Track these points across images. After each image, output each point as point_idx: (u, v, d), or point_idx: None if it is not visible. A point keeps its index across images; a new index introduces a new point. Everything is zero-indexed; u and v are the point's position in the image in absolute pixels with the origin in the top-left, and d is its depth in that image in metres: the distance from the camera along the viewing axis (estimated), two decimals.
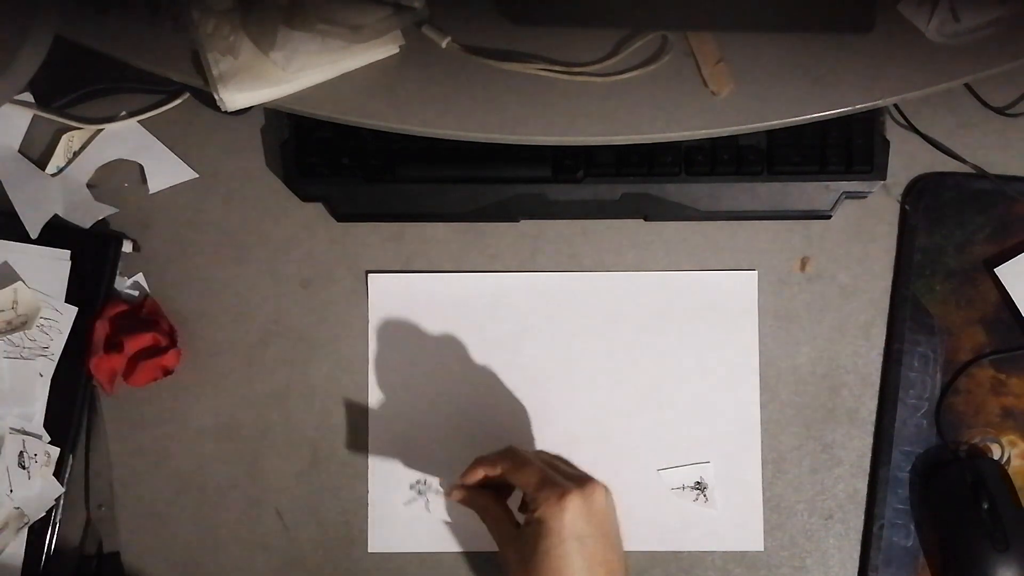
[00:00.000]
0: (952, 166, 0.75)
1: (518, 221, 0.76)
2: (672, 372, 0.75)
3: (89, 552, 0.75)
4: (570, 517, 0.61)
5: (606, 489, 0.64)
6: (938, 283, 0.74)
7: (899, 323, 0.74)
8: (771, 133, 0.73)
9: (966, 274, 0.74)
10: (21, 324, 0.73)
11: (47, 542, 0.74)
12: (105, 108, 0.77)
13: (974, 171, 0.74)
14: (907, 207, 0.75)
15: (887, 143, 0.74)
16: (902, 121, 0.75)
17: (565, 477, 0.64)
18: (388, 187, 0.75)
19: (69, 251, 0.75)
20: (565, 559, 0.61)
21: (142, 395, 0.76)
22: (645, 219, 0.76)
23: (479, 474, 0.67)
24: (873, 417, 0.75)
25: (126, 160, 0.77)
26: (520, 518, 0.66)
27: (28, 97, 0.76)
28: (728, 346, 0.75)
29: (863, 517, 0.74)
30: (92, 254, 0.75)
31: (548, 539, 0.61)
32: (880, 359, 0.75)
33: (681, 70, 0.65)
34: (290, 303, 0.77)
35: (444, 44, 0.64)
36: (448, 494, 0.71)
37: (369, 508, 0.75)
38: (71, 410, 0.74)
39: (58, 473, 0.74)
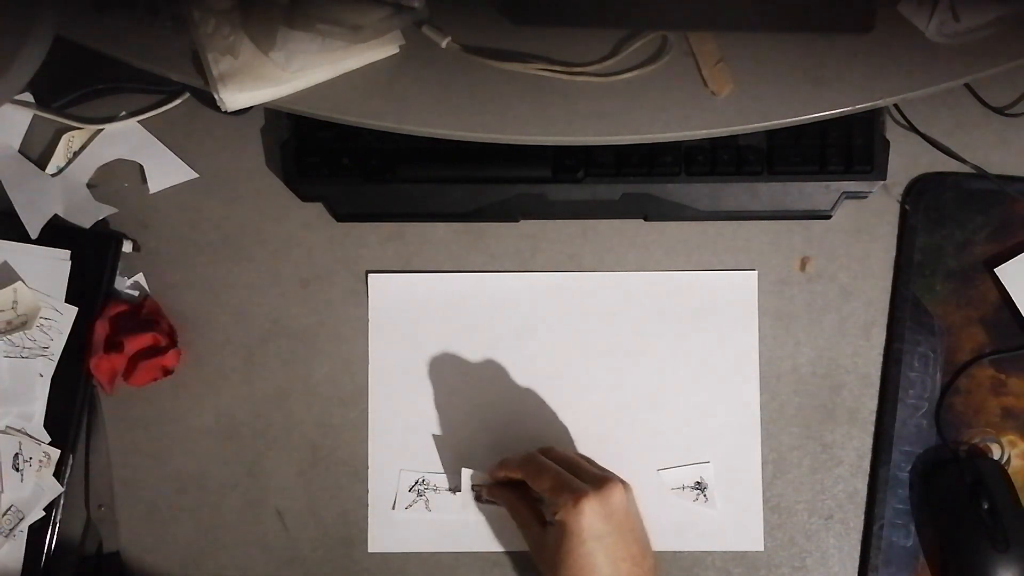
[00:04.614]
0: (952, 166, 0.75)
1: (518, 221, 0.76)
2: (672, 372, 0.75)
3: (89, 552, 0.75)
4: (587, 520, 0.64)
5: (624, 485, 0.67)
6: (938, 283, 0.74)
7: (899, 323, 0.74)
8: (771, 133, 0.73)
9: (966, 274, 0.74)
10: (21, 324, 0.73)
11: (47, 542, 0.74)
12: (105, 108, 0.77)
13: (974, 171, 0.74)
14: (907, 207, 0.75)
15: (887, 143, 0.74)
16: (902, 121, 0.75)
17: (586, 477, 0.66)
18: (388, 187, 0.75)
19: (69, 251, 0.75)
20: (588, 558, 0.64)
21: (142, 395, 0.76)
22: (645, 219, 0.76)
23: (501, 475, 0.71)
24: (873, 417, 0.75)
25: (126, 160, 0.77)
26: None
27: (28, 97, 0.76)
28: (728, 346, 0.75)
29: (863, 517, 0.74)
30: (92, 254, 0.75)
31: (569, 541, 0.64)
32: (880, 359, 0.75)
33: (681, 70, 0.65)
34: (290, 303, 0.77)
35: (444, 44, 0.64)
36: (478, 496, 0.73)
37: (369, 508, 0.75)
38: (71, 410, 0.74)
39: (58, 473, 0.74)
